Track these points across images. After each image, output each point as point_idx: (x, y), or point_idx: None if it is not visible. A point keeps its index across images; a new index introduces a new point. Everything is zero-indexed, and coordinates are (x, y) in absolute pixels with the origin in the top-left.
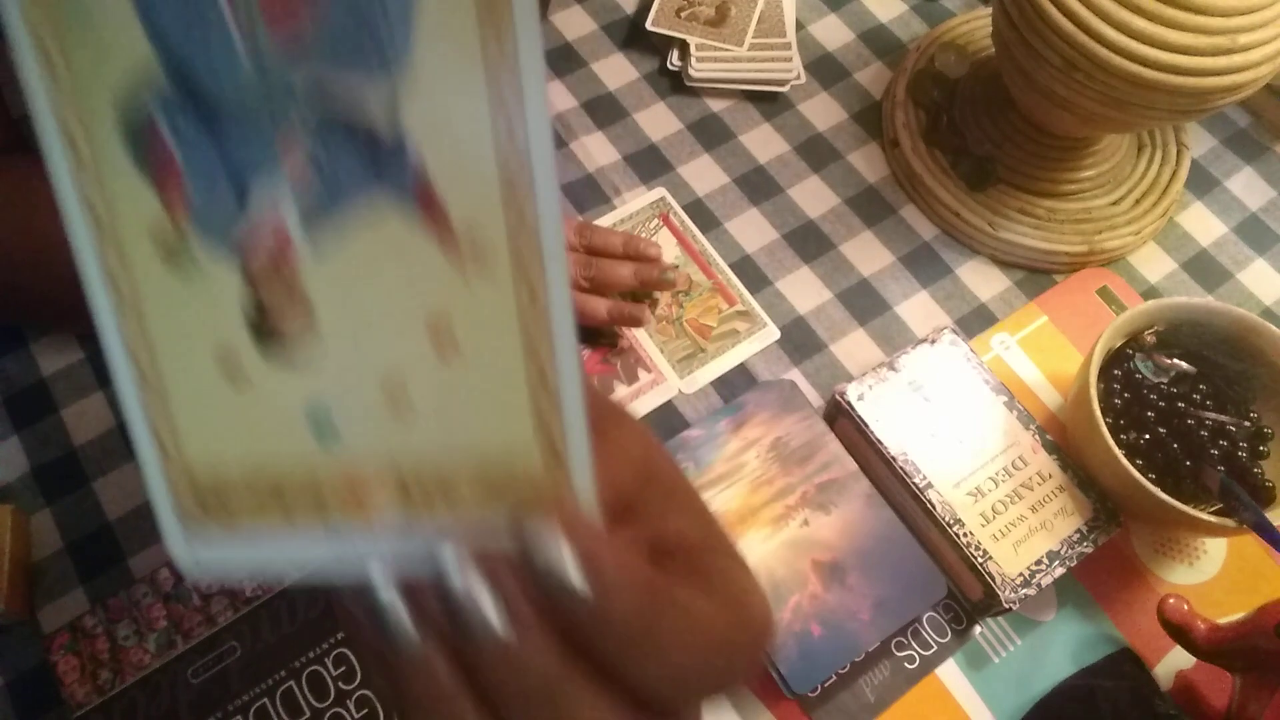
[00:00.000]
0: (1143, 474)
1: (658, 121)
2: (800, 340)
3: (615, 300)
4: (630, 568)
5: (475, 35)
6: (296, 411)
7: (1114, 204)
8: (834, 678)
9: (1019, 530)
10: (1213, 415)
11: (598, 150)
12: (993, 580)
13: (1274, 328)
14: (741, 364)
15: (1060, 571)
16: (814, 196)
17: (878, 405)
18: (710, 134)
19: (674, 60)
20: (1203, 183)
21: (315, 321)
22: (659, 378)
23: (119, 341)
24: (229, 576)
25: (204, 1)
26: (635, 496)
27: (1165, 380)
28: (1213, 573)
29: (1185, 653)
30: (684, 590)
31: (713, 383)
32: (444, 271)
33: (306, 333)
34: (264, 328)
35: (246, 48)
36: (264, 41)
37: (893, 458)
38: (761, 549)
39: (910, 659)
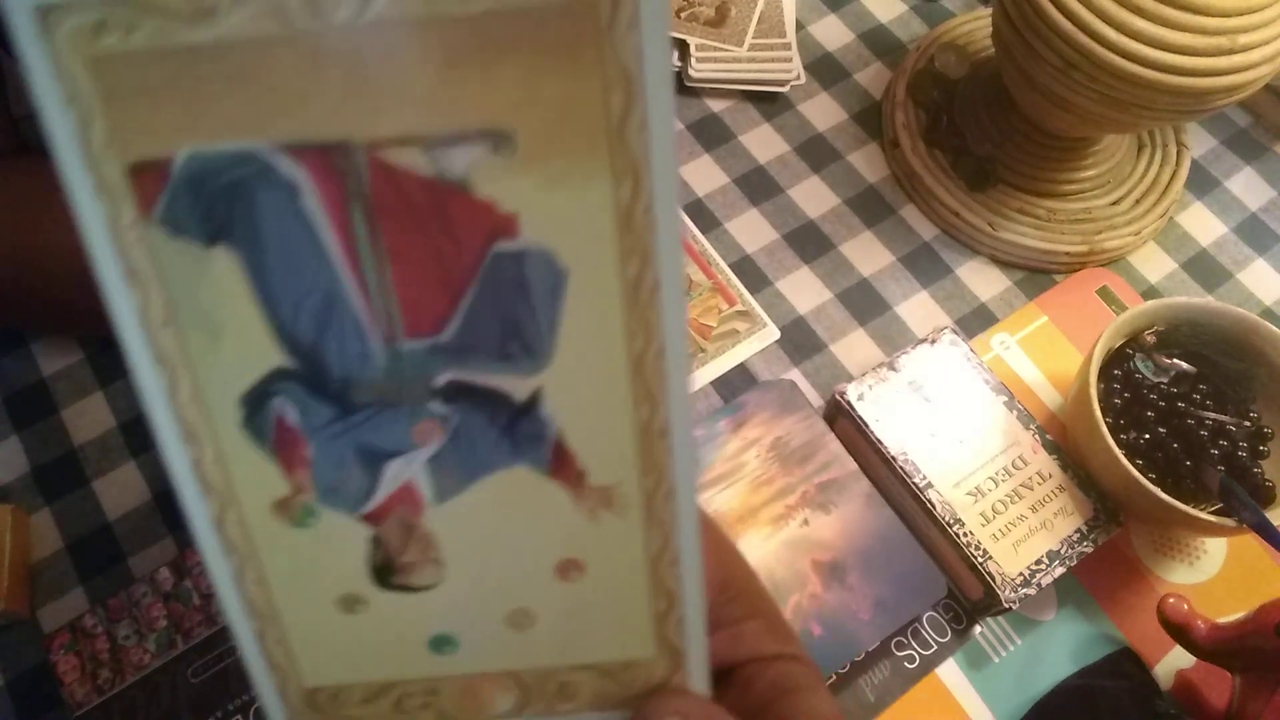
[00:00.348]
0: (1143, 474)
1: None
2: (800, 340)
3: None
4: None
5: (621, 336)
6: (416, 631)
7: (1114, 204)
8: (834, 677)
9: (1019, 530)
10: (1213, 415)
11: None
12: (993, 580)
13: (1274, 328)
14: (741, 364)
15: (1060, 571)
16: (814, 197)
17: (878, 405)
18: (710, 134)
19: (674, 61)
20: (1203, 183)
21: (440, 560)
22: None
23: (233, 589)
24: None
25: (341, 311)
26: (712, 608)
27: (1165, 380)
28: (1213, 573)
29: (1185, 653)
30: None
31: (713, 383)
32: (574, 517)
33: (431, 569)
34: (388, 568)
35: (384, 351)
36: (404, 345)
37: (893, 458)
38: (761, 549)
39: (910, 659)
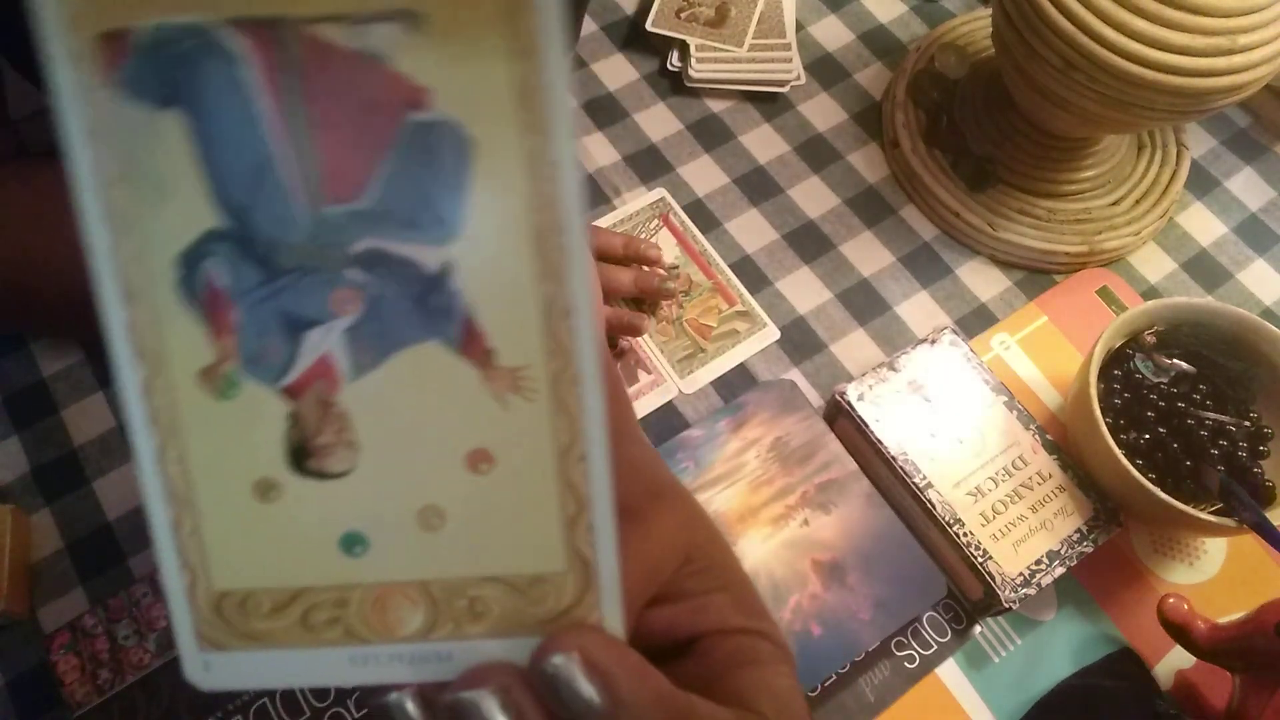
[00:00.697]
0: (1143, 474)
1: (658, 122)
2: (800, 340)
3: (615, 307)
4: (649, 685)
5: (524, 208)
6: (329, 526)
7: (1114, 204)
8: (834, 677)
9: (1019, 530)
10: (1213, 415)
11: (598, 151)
12: (993, 580)
13: (1274, 328)
14: (741, 364)
15: (1060, 571)
16: (814, 197)
17: (878, 405)
18: (710, 134)
19: (674, 61)
20: (1203, 183)
21: (354, 442)
22: (659, 378)
23: (154, 465)
24: (243, 688)
25: (271, 175)
26: (674, 576)
27: (1165, 380)
28: (1213, 573)
29: (1185, 653)
30: (705, 706)
31: (713, 383)
32: (484, 400)
33: (345, 453)
34: (303, 450)
35: (308, 215)
36: (325, 210)
37: (893, 458)
38: (761, 549)
39: (910, 659)
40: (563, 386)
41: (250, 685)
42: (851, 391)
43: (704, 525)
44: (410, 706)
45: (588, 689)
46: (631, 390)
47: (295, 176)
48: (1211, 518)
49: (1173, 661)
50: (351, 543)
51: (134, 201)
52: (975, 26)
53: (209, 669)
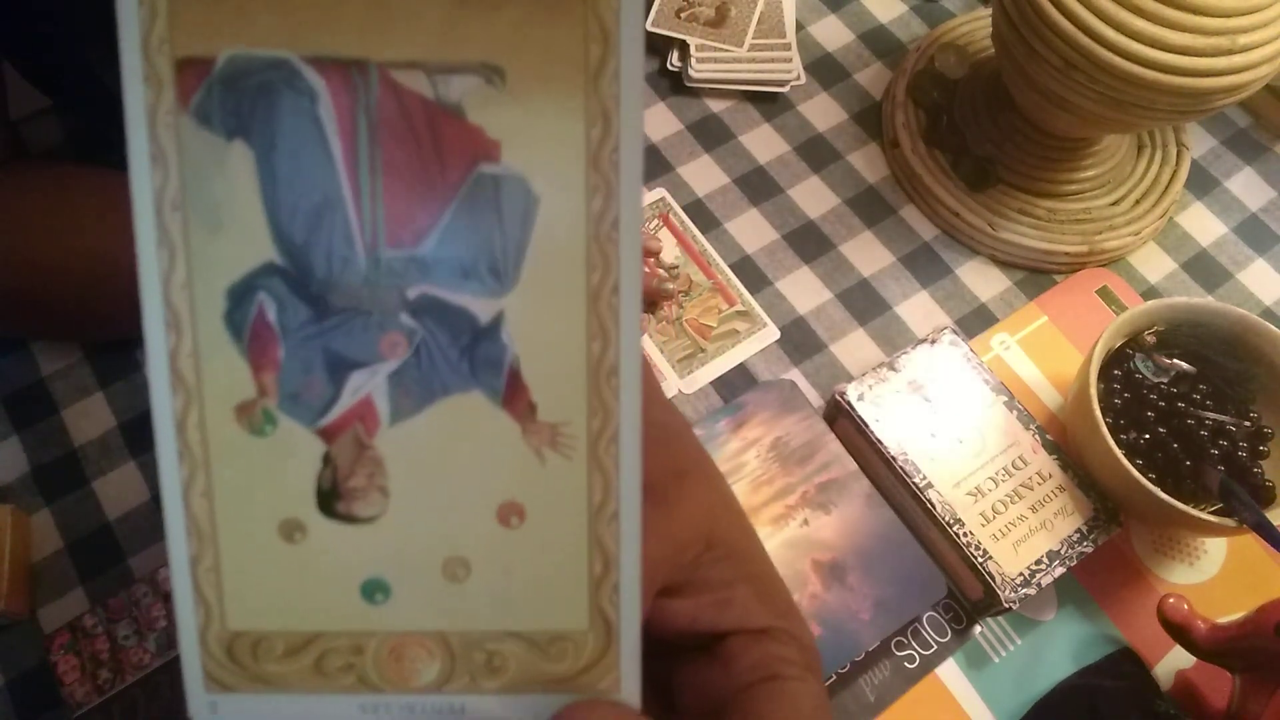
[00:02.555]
0: (1143, 474)
1: (658, 122)
2: (800, 340)
3: None
4: None
5: (581, 267)
6: (352, 571)
7: (1114, 204)
8: (834, 677)
9: (1019, 530)
10: (1213, 415)
11: None
12: (993, 580)
13: (1274, 328)
14: (741, 364)
15: (1060, 571)
16: (814, 197)
17: (878, 405)
18: (710, 134)
19: (674, 61)
20: (1203, 183)
21: (386, 488)
22: (659, 377)
23: (180, 498)
24: None
25: (334, 214)
26: (696, 562)
27: (1165, 380)
28: (1213, 573)
29: (1185, 653)
30: None
31: (713, 383)
32: (521, 453)
33: (376, 498)
34: (334, 492)
35: (366, 257)
36: (384, 254)
37: (893, 458)
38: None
39: (910, 659)
40: (601, 445)
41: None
42: (851, 391)
43: (728, 508)
44: None
45: None
46: None
47: (358, 218)
48: (1211, 518)
49: (1173, 661)
50: (373, 589)
51: (191, 229)
52: (975, 26)
53: (215, 710)
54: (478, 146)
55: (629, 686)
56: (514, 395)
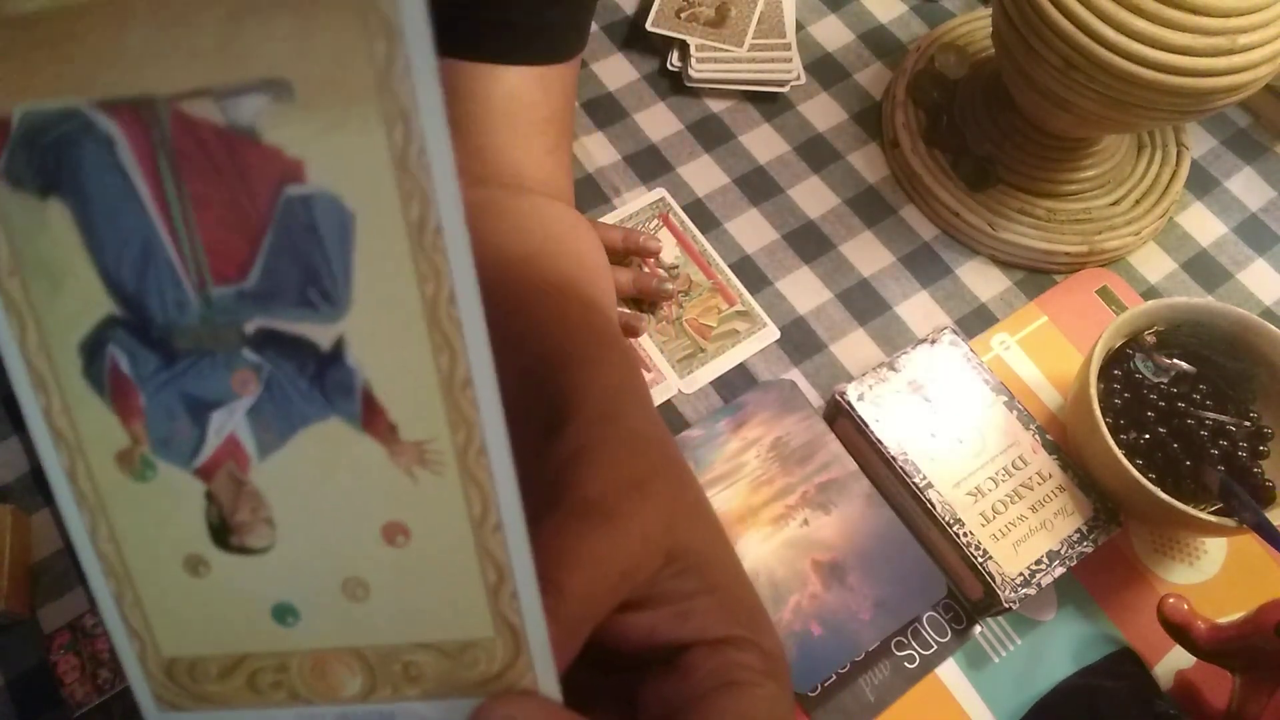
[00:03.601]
0: (1143, 474)
1: (658, 122)
2: (800, 340)
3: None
4: None
5: (412, 280)
6: (259, 598)
7: (1114, 204)
8: (834, 677)
9: (1019, 530)
10: (1213, 415)
11: (598, 150)
12: (993, 580)
13: (1274, 328)
14: (741, 364)
15: (1060, 571)
16: (814, 197)
17: (878, 405)
18: (710, 134)
19: (674, 61)
20: (1203, 183)
21: (272, 522)
22: (659, 377)
23: (89, 544)
24: None
25: (158, 258)
26: (656, 576)
27: (1165, 380)
28: (1213, 573)
29: (1185, 653)
30: None
31: (713, 383)
32: (393, 474)
33: (264, 530)
34: (224, 527)
35: (198, 297)
36: (213, 292)
37: (893, 458)
38: (761, 549)
39: (910, 659)
40: (470, 458)
41: None
42: (851, 391)
43: (693, 517)
44: None
45: None
46: None
47: (180, 258)
48: (1211, 518)
49: (1173, 661)
50: (284, 613)
51: (30, 292)
52: (975, 26)
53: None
54: (281, 168)
55: (546, 683)
56: (372, 418)
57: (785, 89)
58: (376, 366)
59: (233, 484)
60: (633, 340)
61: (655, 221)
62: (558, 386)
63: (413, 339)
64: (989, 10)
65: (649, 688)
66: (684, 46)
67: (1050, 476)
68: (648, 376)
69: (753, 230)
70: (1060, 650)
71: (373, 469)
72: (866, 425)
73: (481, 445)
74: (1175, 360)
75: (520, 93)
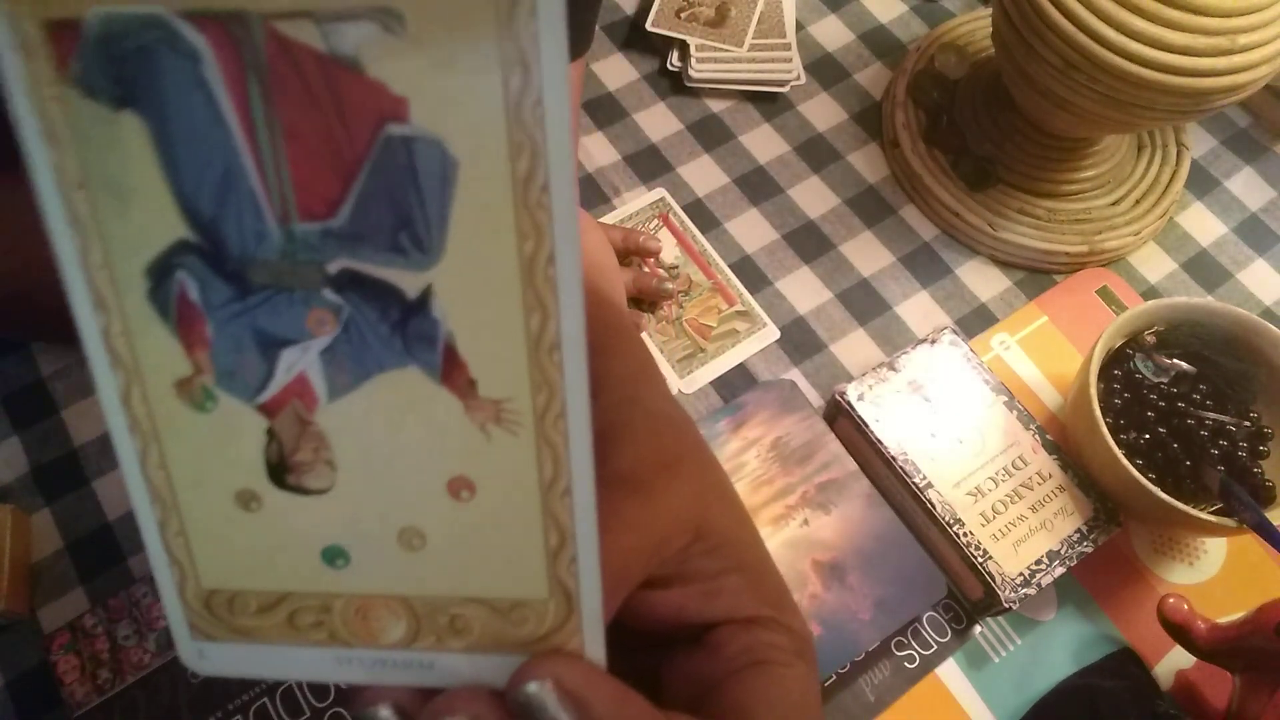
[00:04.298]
0: (1143, 474)
1: (658, 122)
2: (800, 340)
3: None
4: (628, 712)
5: (511, 236)
6: (311, 538)
7: (1114, 204)
8: (834, 677)
9: (1019, 530)
10: (1213, 415)
11: (598, 150)
12: (993, 580)
13: (1274, 328)
14: (741, 364)
15: (1060, 571)
16: (814, 197)
17: (878, 405)
18: (710, 134)
19: (674, 61)
20: (1203, 183)
21: (333, 465)
22: None
23: (138, 470)
24: (236, 675)
25: (239, 186)
26: (684, 554)
27: (1165, 380)
28: (1213, 573)
29: (1185, 653)
30: None
31: (712, 383)
32: (466, 429)
33: (324, 471)
34: (282, 465)
35: (280, 231)
36: (297, 227)
37: (893, 458)
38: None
39: (910, 659)
40: (548, 421)
41: (242, 673)
42: (851, 391)
43: (721, 498)
44: (387, 716)
45: (562, 716)
46: None
47: (265, 189)
48: (1211, 518)
49: (1173, 661)
50: (333, 555)
51: (98, 208)
52: (975, 26)
53: (203, 656)
54: (383, 104)
55: (593, 649)
56: (451, 371)
57: (785, 89)
58: (462, 320)
59: (297, 423)
60: None
61: (655, 221)
62: None
63: (505, 296)
64: (989, 10)
65: (676, 666)
66: (684, 46)
67: (1050, 476)
68: None
69: (753, 230)
70: (1060, 650)
71: (446, 422)
72: (866, 425)
73: (561, 409)
74: (1175, 360)
75: None
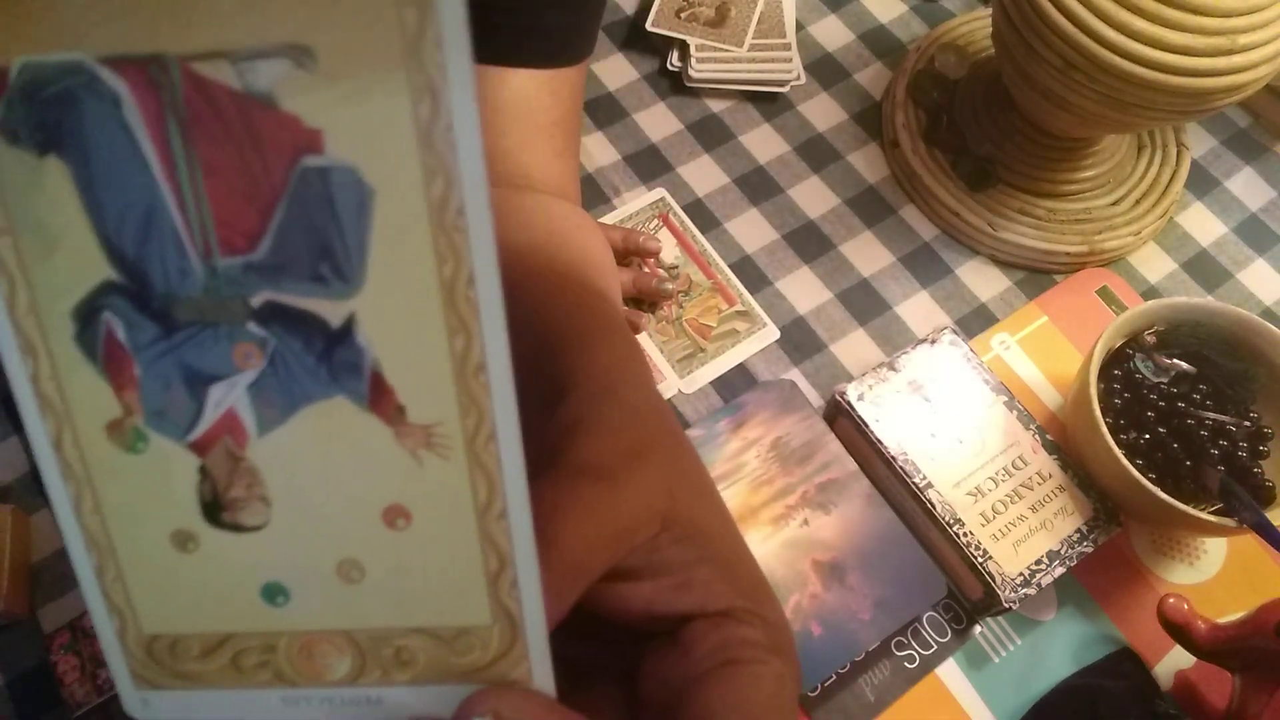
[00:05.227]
0: (1143, 474)
1: (658, 122)
2: (800, 340)
3: None
4: None
5: (430, 260)
6: (249, 576)
7: (1114, 204)
8: (834, 677)
9: (1019, 530)
10: (1213, 415)
11: (597, 150)
12: (993, 580)
13: (1274, 328)
14: (741, 364)
15: (1060, 571)
16: (814, 197)
17: (878, 405)
18: (710, 134)
19: (674, 61)
20: (1203, 183)
21: (268, 500)
22: (659, 377)
23: (73, 516)
24: None
25: (161, 224)
26: (653, 543)
27: (1165, 380)
28: (1213, 573)
29: (1185, 653)
30: None
31: (713, 383)
32: (398, 456)
33: (259, 507)
34: (217, 503)
35: (203, 267)
36: (219, 262)
37: (893, 458)
38: (761, 549)
39: (910, 659)
40: (479, 443)
41: (188, 719)
42: (851, 391)
43: (692, 489)
44: None
45: None
46: None
47: (186, 226)
48: (1211, 518)
49: (1173, 661)
50: (273, 593)
51: (23, 254)
52: (975, 26)
53: (147, 705)
54: (298, 137)
55: (541, 676)
56: (379, 398)
57: (785, 89)
58: (387, 346)
59: (229, 459)
60: None
61: (655, 221)
62: (557, 365)
63: (427, 320)
64: (989, 10)
65: (648, 666)
66: (684, 46)
67: (1050, 476)
68: None
69: (753, 230)
70: (1060, 650)
71: (377, 450)
72: (866, 425)
73: (491, 431)
74: (1175, 360)
75: (529, 96)
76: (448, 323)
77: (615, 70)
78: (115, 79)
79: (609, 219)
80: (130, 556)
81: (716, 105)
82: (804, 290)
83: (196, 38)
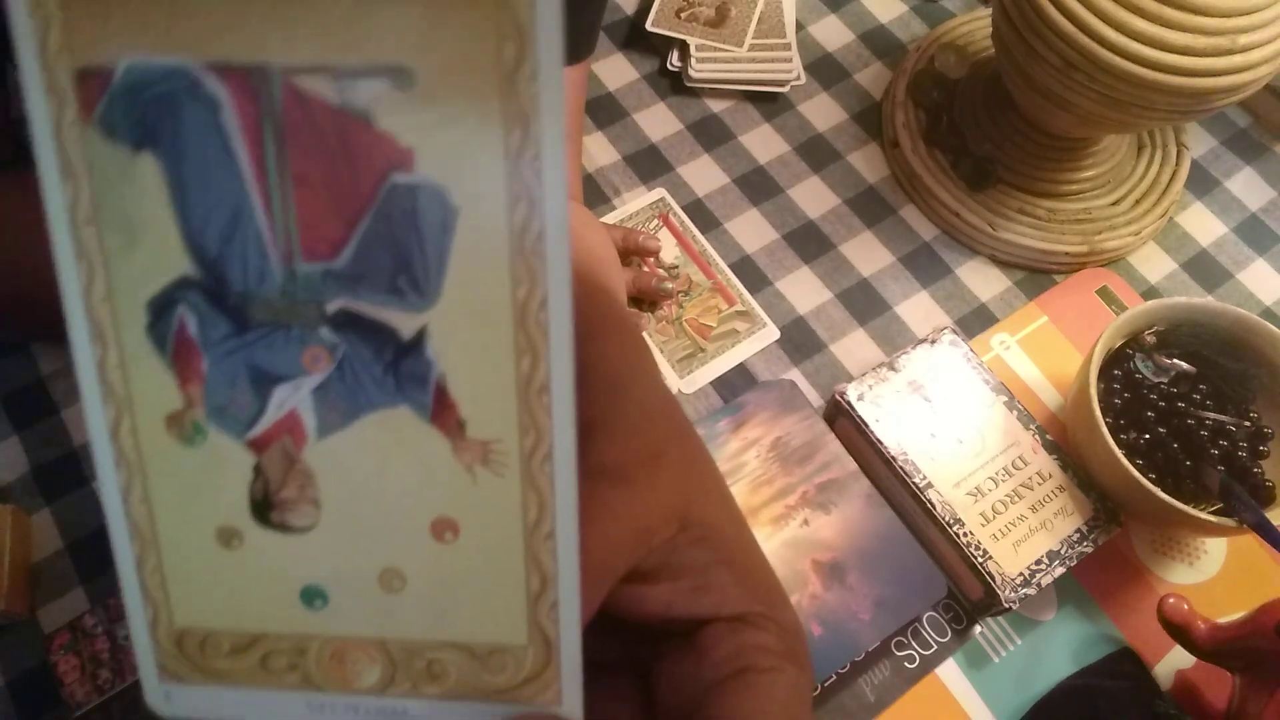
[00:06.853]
0: (1143, 474)
1: (658, 122)
2: (800, 340)
3: None
4: None
5: (506, 281)
6: (290, 577)
7: (1114, 204)
8: (834, 677)
9: (1019, 530)
10: (1213, 415)
11: (598, 151)
12: (993, 580)
13: (1274, 328)
14: (741, 364)
15: (1060, 571)
16: (814, 197)
17: (878, 405)
18: (710, 134)
19: (674, 61)
20: (1203, 183)
21: (318, 503)
22: None
23: (120, 505)
24: (203, 718)
25: (246, 226)
26: (670, 544)
27: (1165, 380)
28: (1213, 573)
29: (1185, 653)
30: None
31: (712, 383)
32: (453, 470)
33: (308, 509)
34: (267, 502)
35: (282, 270)
36: (300, 267)
37: (893, 458)
38: (762, 549)
39: (910, 659)
40: (534, 463)
41: (210, 716)
42: (851, 391)
43: (708, 490)
44: None
45: None
46: None
47: (270, 230)
48: (1211, 518)
49: (1173, 661)
50: (312, 596)
51: (105, 243)
52: (975, 26)
53: (170, 699)
54: (390, 155)
55: (570, 701)
56: (442, 411)
57: (785, 89)
58: (455, 361)
59: (284, 460)
60: None
61: (655, 221)
62: None
63: (497, 339)
64: (989, 10)
65: (665, 670)
66: (684, 46)
67: (1050, 476)
68: None
69: (753, 230)
70: (1060, 650)
71: (433, 462)
72: (866, 425)
73: (549, 451)
74: (1175, 360)
75: None
76: (517, 343)
77: (615, 70)
78: (217, 85)
79: (609, 219)
80: (172, 548)
81: (716, 105)
82: (804, 290)
83: (301, 51)
